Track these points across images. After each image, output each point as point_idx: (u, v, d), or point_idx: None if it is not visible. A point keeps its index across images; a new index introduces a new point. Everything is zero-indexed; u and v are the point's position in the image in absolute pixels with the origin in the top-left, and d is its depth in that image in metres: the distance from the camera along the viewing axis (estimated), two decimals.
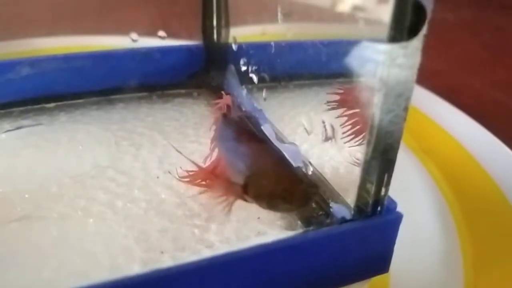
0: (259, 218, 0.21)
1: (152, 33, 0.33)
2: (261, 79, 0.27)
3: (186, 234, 0.20)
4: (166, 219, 0.21)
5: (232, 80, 0.29)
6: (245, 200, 0.20)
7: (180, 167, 0.22)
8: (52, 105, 0.31)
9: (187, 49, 0.34)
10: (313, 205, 0.21)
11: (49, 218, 0.21)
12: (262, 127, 0.26)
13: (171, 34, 0.34)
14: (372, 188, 0.19)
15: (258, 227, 0.21)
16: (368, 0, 0.17)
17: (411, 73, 0.17)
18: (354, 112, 0.23)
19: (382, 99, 0.17)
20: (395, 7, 0.15)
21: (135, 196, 0.23)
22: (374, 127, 0.18)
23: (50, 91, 0.31)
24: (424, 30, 0.16)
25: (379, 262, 0.21)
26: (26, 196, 0.22)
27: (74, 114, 0.30)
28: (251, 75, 0.27)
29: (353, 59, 0.18)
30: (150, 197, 0.23)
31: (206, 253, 0.19)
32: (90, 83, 0.31)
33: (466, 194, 0.29)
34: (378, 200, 0.19)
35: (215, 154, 0.23)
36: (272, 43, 0.27)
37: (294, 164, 0.21)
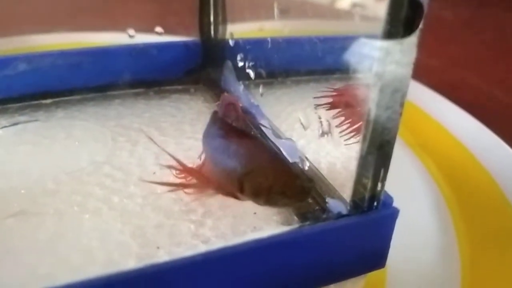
0: (255, 213, 0.21)
1: (149, 29, 0.33)
2: (258, 75, 0.27)
3: (182, 229, 0.20)
4: (162, 215, 0.21)
5: (229, 76, 0.29)
6: (237, 198, 0.20)
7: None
8: (48, 101, 0.30)
9: (184, 45, 0.34)
10: (309, 200, 0.21)
11: (45, 214, 0.21)
12: (259, 123, 0.26)
13: (168, 30, 0.34)
14: (368, 183, 0.19)
15: (254, 222, 0.21)
16: None
17: (407, 68, 0.17)
18: (350, 110, 0.23)
19: (378, 95, 0.17)
20: (391, 2, 0.15)
21: (132, 192, 0.23)
22: (370, 123, 0.18)
23: (46, 87, 0.30)
24: (420, 26, 0.16)
25: (376, 258, 0.21)
26: (22, 192, 0.22)
27: (70, 110, 0.30)
28: (248, 71, 0.27)
29: (350, 55, 0.18)
30: (146, 193, 0.22)
31: (202, 248, 0.19)
32: (87, 79, 0.31)
33: (463, 189, 0.29)
34: (375, 195, 0.19)
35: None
36: (269, 39, 0.27)
37: (291, 160, 0.22)
